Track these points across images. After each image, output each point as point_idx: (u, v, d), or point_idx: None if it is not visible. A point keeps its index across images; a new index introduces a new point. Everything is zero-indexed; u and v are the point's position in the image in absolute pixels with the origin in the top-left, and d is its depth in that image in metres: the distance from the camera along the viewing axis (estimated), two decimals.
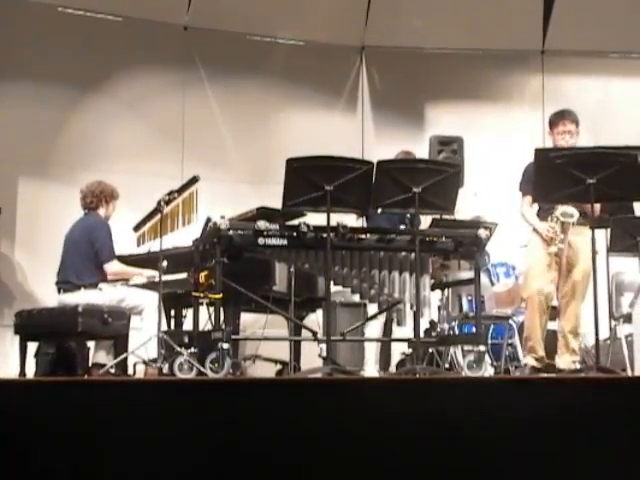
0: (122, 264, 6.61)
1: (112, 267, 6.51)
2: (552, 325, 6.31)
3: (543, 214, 6.10)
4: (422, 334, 6.12)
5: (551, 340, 6.15)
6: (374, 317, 6.53)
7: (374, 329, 6.90)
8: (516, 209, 6.26)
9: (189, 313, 6.71)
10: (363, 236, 5.71)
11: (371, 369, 6.78)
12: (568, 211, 5.89)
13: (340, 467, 3.11)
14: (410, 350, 6.63)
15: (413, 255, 5.61)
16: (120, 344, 6.28)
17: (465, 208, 6.98)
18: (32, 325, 6.26)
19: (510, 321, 7.24)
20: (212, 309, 5.73)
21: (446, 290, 7.22)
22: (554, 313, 6.21)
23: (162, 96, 8.87)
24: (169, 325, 6.94)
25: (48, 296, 6.96)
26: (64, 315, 6.14)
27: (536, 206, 6.16)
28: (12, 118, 8.17)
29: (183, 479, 3.07)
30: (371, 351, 6.87)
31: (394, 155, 6.90)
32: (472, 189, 7.70)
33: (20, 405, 3.05)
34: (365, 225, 6.87)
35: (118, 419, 3.06)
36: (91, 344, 6.62)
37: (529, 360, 6.04)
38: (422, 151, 8.01)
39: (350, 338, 6.26)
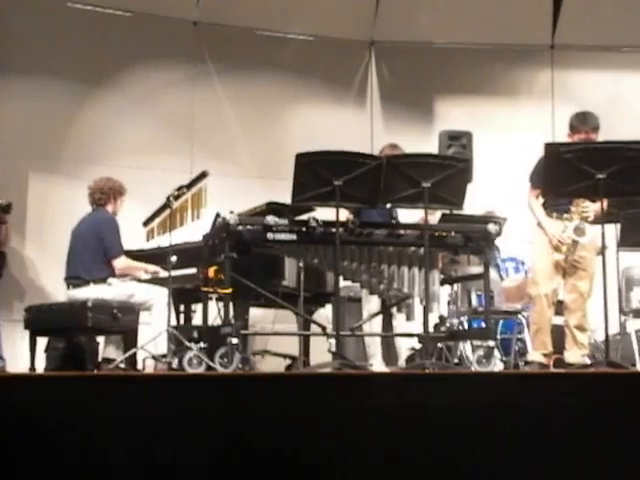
0: (130, 260, 6.62)
1: (120, 263, 6.51)
2: (558, 320, 6.31)
3: (550, 208, 6.08)
4: (431, 329, 6.11)
5: (558, 335, 6.14)
6: (380, 313, 6.53)
7: (377, 324, 6.89)
8: (526, 204, 6.24)
9: (198, 308, 6.72)
10: (372, 231, 5.70)
11: (378, 364, 6.77)
12: (581, 227, 5.85)
13: (350, 461, 3.12)
14: (419, 345, 6.63)
15: (422, 250, 5.61)
16: (129, 339, 6.29)
17: (473, 202, 6.98)
18: (42, 320, 6.27)
19: (519, 316, 7.23)
20: (221, 304, 5.73)
21: (455, 285, 7.21)
22: (560, 308, 6.20)
23: (171, 91, 8.88)
24: (178, 320, 6.95)
25: (58, 291, 6.98)
26: (74, 310, 6.16)
27: (540, 199, 6.15)
28: (22, 113, 8.18)
29: (193, 472, 3.08)
30: (377, 346, 6.86)
31: (379, 150, 6.88)
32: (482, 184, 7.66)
33: (30, 400, 3.05)
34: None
35: (128, 414, 3.06)
36: (101, 339, 6.64)
37: (536, 356, 6.02)
38: (431, 146, 8.00)
39: (359, 333, 6.25)
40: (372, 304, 6.62)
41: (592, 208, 5.87)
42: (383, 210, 6.60)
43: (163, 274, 6.34)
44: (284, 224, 5.53)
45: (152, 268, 6.54)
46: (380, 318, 6.74)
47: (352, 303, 7.15)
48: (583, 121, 6.12)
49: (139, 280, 6.53)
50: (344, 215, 6.05)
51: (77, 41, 8.51)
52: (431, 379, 3.65)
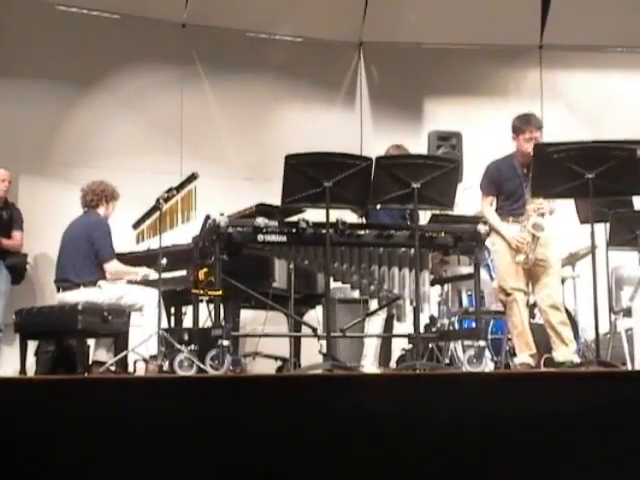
0: (121, 263, 6.61)
1: (111, 267, 6.49)
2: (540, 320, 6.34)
3: (505, 213, 6.08)
4: (422, 330, 6.12)
5: (543, 334, 6.14)
6: (373, 313, 6.52)
7: (376, 325, 6.88)
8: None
9: (189, 310, 6.71)
10: (362, 232, 5.71)
11: (369, 365, 6.78)
12: (538, 222, 5.87)
13: (340, 464, 3.11)
14: (410, 346, 6.63)
15: (413, 251, 5.61)
16: (120, 342, 6.28)
17: (463, 203, 6.99)
18: (32, 323, 6.26)
19: None
20: (212, 306, 5.73)
21: (446, 285, 7.22)
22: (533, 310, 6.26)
23: (160, 93, 8.87)
24: (169, 322, 6.94)
25: (48, 294, 6.96)
26: (64, 313, 6.14)
27: (494, 204, 6.16)
28: (10, 116, 8.16)
29: (183, 476, 3.08)
30: (370, 347, 6.86)
31: (385, 150, 6.88)
32: (465, 183, 7.67)
33: (20, 404, 3.05)
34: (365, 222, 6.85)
35: (118, 417, 3.06)
36: (91, 342, 6.63)
37: (524, 358, 6.00)
38: (421, 146, 8.01)
39: (350, 334, 6.26)
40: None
41: (546, 204, 5.90)
42: (393, 212, 6.57)
43: (153, 276, 6.33)
44: (274, 226, 5.54)
45: (142, 272, 6.53)
46: (382, 319, 6.72)
47: (351, 305, 7.15)
48: (526, 121, 6.15)
49: (129, 281, 6.53)
50: (353, 218, 6.09)
51: (66, 43, 8.50)
52: (421, 380, 3.65)
